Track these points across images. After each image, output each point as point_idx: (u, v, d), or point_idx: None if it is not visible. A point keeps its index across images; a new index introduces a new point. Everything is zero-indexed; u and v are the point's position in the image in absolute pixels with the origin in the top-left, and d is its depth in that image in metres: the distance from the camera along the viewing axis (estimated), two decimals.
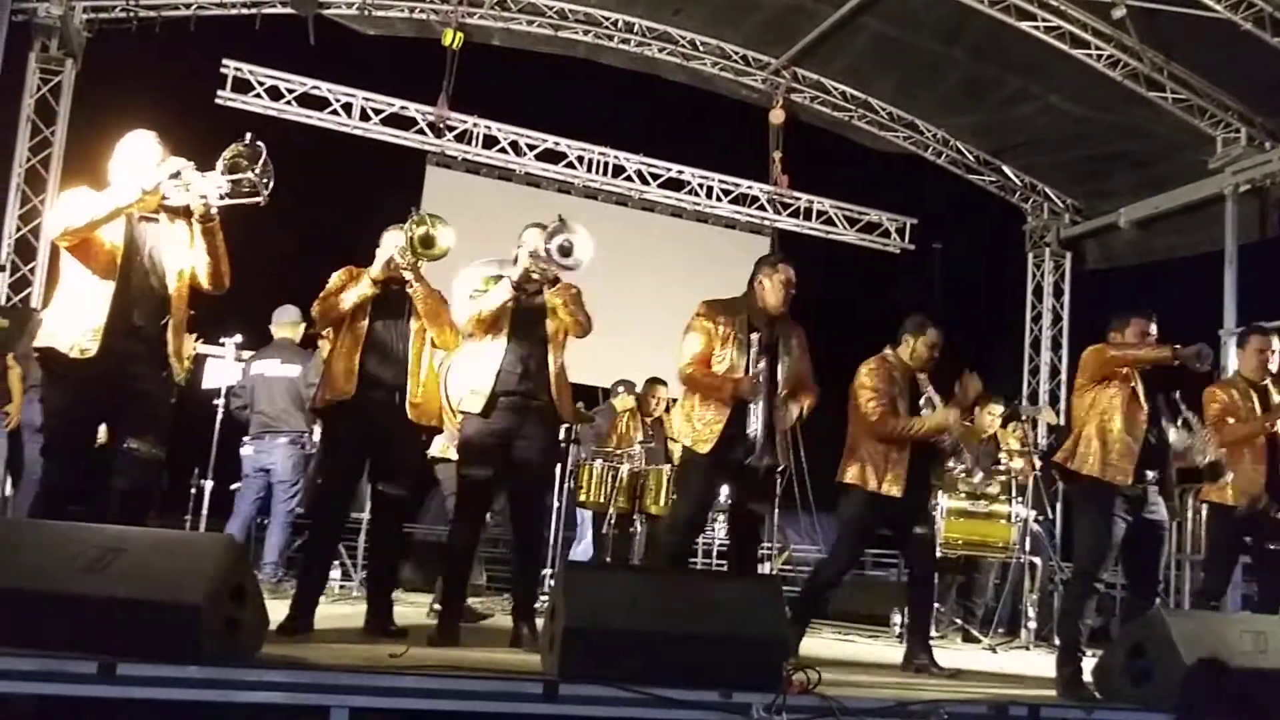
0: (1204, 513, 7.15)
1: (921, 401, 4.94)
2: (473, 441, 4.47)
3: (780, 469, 4.82)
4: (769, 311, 4.70)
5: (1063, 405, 10.41)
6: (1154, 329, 4.51)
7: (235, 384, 6.94)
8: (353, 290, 4.47)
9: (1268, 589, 5.22)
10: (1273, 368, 5.13)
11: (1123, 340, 4.50)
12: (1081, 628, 4.36)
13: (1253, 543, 5.06)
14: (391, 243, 4.55)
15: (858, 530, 5.02)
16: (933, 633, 6.76)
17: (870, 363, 5.02)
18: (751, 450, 4.51)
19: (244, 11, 9.19)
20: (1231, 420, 5.01)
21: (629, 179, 10.60)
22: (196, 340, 6.74)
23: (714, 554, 8.76)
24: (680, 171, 10.78)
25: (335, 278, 4.54)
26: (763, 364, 4.57)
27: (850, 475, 4.91)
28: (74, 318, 3.77)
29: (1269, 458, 4.98)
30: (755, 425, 4.51)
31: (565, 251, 4.32)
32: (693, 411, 4.64)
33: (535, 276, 4.45)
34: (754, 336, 4.62)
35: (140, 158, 3.88)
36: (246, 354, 7.06)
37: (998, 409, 7.48)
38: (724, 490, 5.13)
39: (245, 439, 6.87)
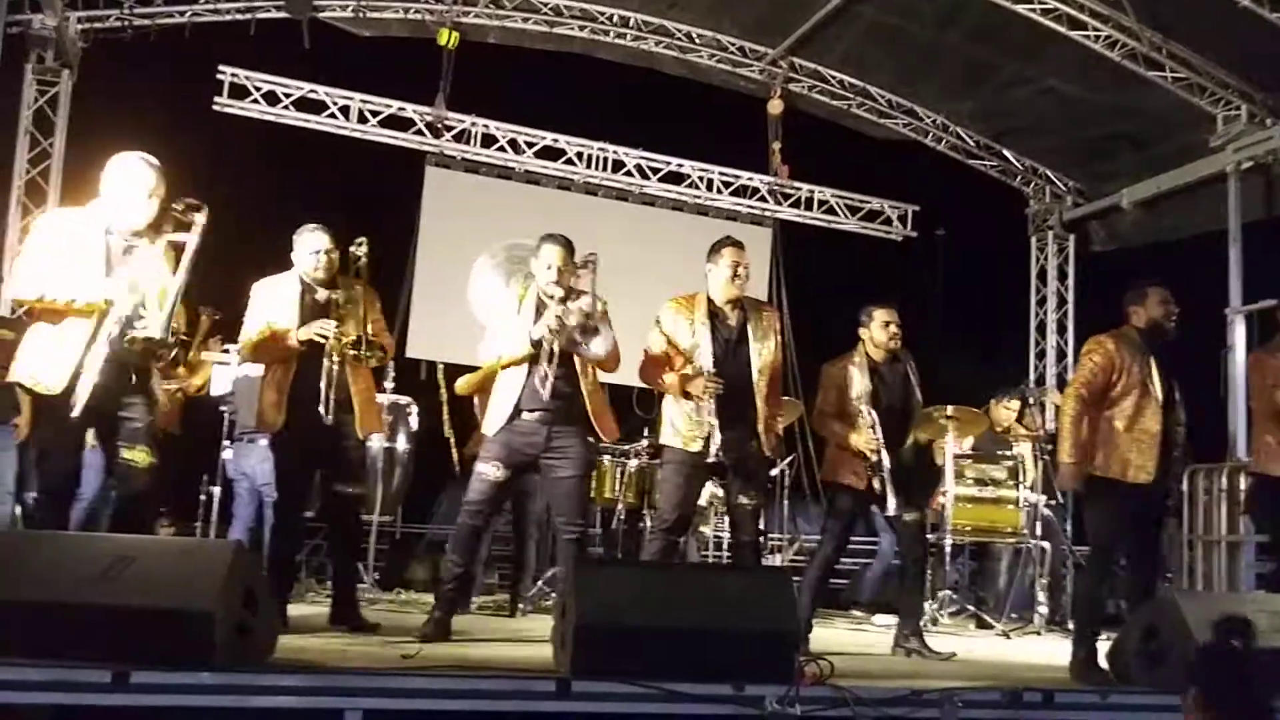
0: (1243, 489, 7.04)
1: (864, 407, 4.90)
2: (495, 442, 4.49)
3: (768, 460, 4.77)
4: (727, 298, 4.66)
5: None
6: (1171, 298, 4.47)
7: (228, 389, 6.93)
8: (280, 346, 4.50)
9: None
10: None
11: (1144, 312, 4.45)
12: (1097, 611, 4.34)
13: None
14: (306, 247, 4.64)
15: (836, 521, 5.11)
16: (944, 619, 6.82)
17: (830, 363, 5.10)
18: (708, 446, 4.41)
19: (238, 17, 9.18)
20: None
21: (629, 174, 10.57)
22: (224, 347, 6.72)
23: (724, 547, 8.74)
24: (680, 165, 10.74)
25: (256, 329, 4.52)
26: (710, 361, 4.49)
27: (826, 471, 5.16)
28: (47, 352, 3.76)
29: None
30: (711, 420, 4.41)
31: (587, 333, 4.36)
32: (675, 410, 4.61)
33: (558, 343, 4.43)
34: (706, 327, 4.56)
35: (132, 186, 3.87)
36: None
37: (1015, 404, 7.47)
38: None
39: (226, 442, 6.83)
